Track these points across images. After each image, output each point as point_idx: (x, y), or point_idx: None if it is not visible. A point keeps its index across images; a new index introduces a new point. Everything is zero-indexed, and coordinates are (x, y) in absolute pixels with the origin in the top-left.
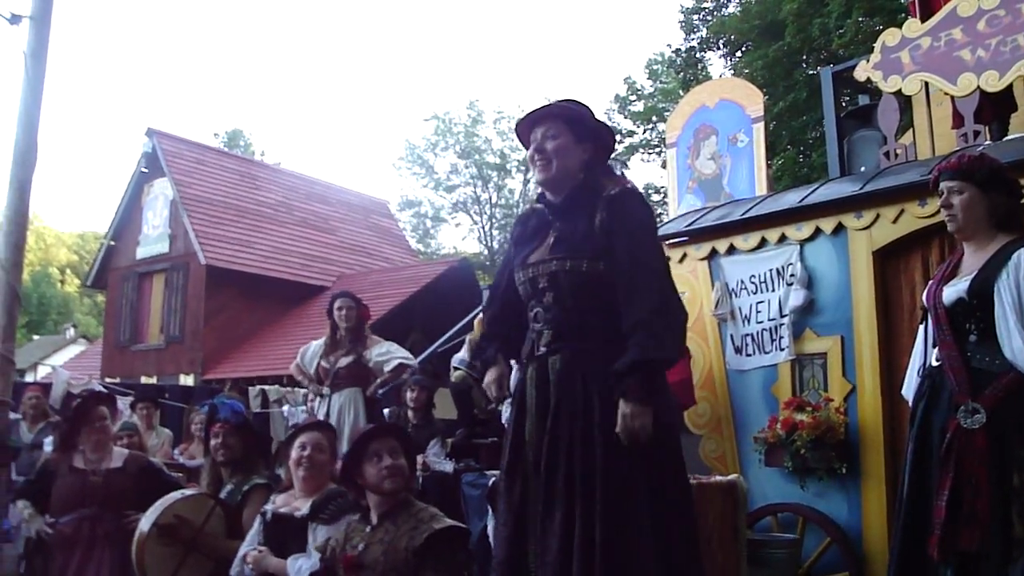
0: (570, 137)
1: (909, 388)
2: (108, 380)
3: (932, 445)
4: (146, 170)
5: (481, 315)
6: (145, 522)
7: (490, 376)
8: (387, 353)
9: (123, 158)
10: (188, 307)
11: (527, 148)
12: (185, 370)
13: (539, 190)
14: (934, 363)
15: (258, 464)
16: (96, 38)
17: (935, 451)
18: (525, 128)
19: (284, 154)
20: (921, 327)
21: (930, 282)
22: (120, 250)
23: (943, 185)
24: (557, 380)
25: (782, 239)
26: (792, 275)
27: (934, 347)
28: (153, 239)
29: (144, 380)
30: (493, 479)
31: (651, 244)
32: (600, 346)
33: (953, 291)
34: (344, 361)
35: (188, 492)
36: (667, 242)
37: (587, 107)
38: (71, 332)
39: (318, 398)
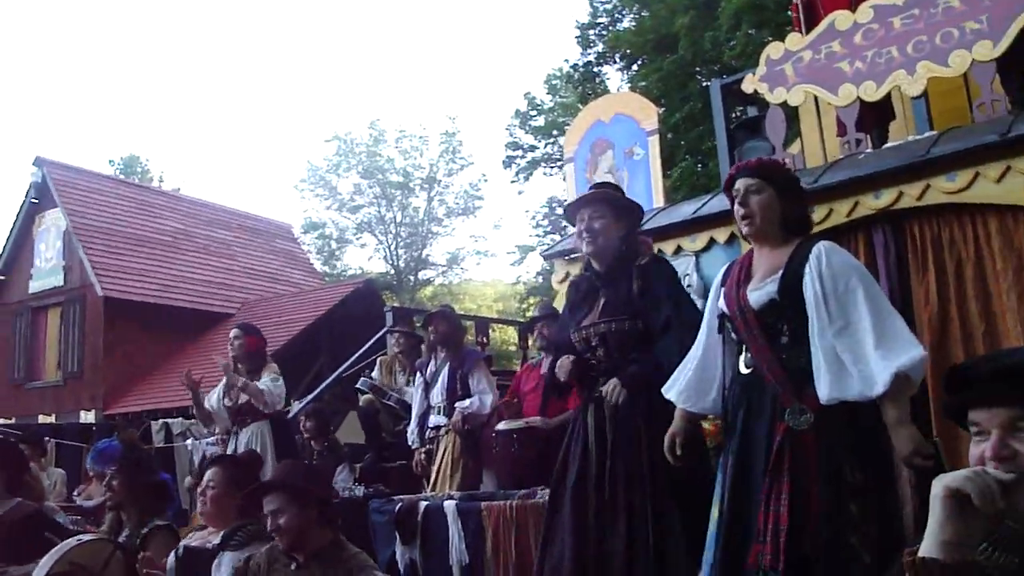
0: (611, 217)
1: (675, 389)
2: (2, 421)
3: (755, 454)
4: (36, 200)
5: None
6: (39, 572)
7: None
8: (262, 382)
9: (9, 189)
10: (86, 341)
11: (574, 226)
12: (86, 406)
13: (586, 260)
14: (744, 370)
15: (155, 504)
16: None
17: (760, 460)
18: (573, 210)
19: (183, 179)
20: (717, 334)
21: (724, 288)
22: (11, 284)
23: (740, 183)
24: (611, 415)
25: (678, 251)
26: (689, 285)
27: (739, 354)
28: (46, 272)
29: (42, 419)
30: (401, 504)
31: (684, 298)
32: (643, 388)
33: (761, 294)
34: (245, 396)
35: (84, 538)
36: (565, 258)
37: (621, 190)
38: None
39: (229, 436)
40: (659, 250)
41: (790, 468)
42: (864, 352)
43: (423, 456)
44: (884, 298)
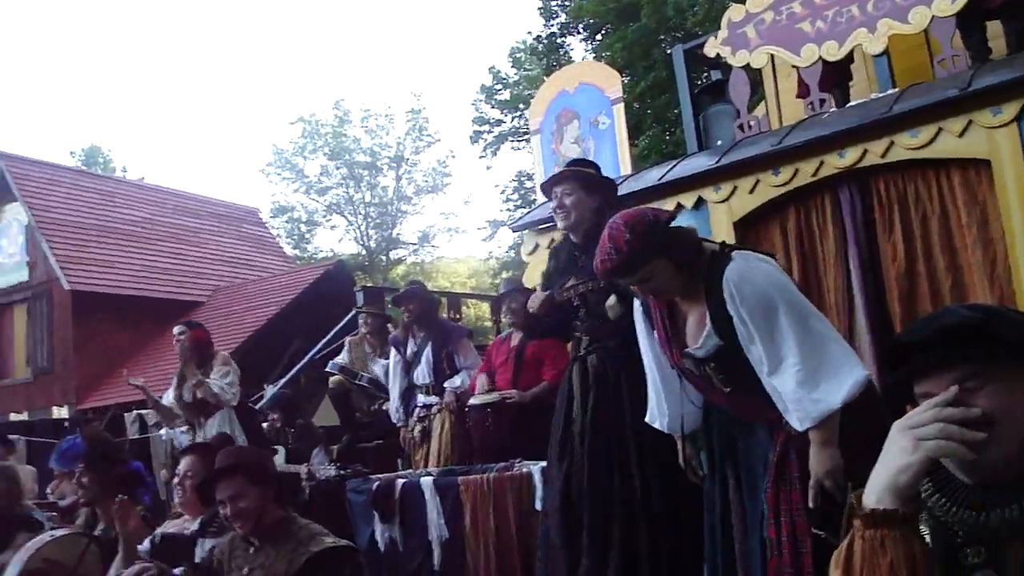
0: (582, 192)
1: (657, 421)
2: None
3: (749, 464)
4: None
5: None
6: (11, 570)
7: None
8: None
9: None
10: (55, 336)
11: (551, 202)
12: (58, 402)
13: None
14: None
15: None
16: None
17: (756, 470)
18: (547, 188)
19: (147, 168)
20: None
21: (655, 340)
22: None
23: (628, 279)
24: (595, 372)
25: None
26: None
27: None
28: (10, 268)
29: (13, 416)
30: (378, 483)
31: None
32: (621, 344)
33: (699, 355)
34: (198, 391)
35: (57, 533)
36: (534, 229)
37: (594, 166)
38: None
39: (195, 428)
40: None
41: (800, 476)
42: (789, 392)
43: (417, 434)
44: (810, 316)
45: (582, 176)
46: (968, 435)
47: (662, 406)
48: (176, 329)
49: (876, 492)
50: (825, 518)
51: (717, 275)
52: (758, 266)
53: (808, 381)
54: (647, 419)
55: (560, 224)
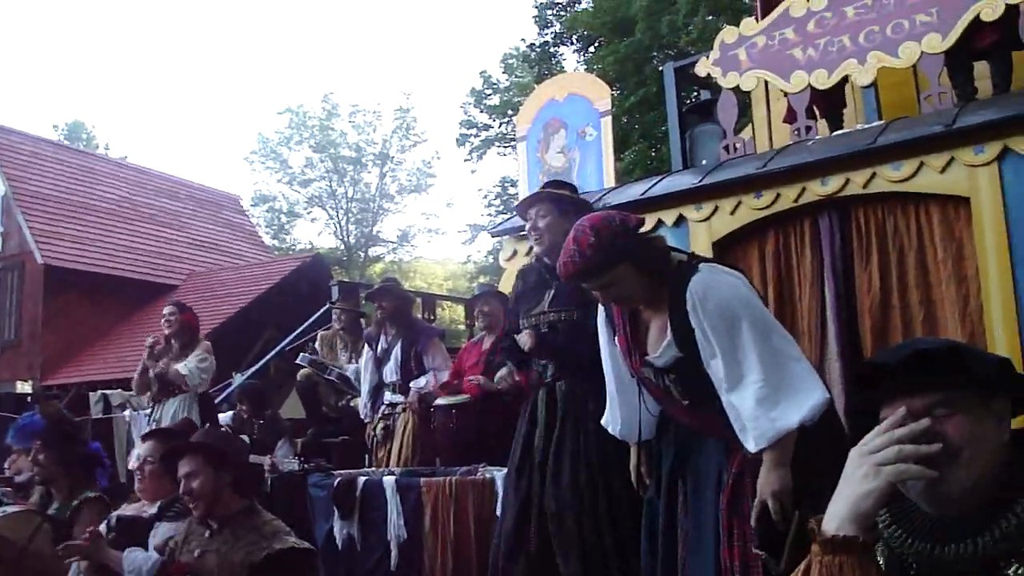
0: (556, 214)
1: (611, 426)
2: None
3: (700, 485)
4: None
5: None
6: None
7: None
8: (184, 366)
9: None
10: (24, 309)
11: (526, 224)
12: (23, 376)
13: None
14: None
15: (86, 476)
16: None
17: (708, 491)
18: (522, 209)
19: (130, 148)
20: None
21: (616, 347)
22: None
23: (588, 283)
24: (563, 399)
25: None
26: None
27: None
28: None
29: None
30: (339, 479)
31: None
32: (589, 373)
33: (659, 365)
34: (174, 367)
35: (9, 509)
36: (513, 235)
37: (570, 186)
38: None
39: (152, 404)
40: None
41: (753, 499)
42: (747, 409)
43: (380, 432)
44: (773, 333)
45: (556, 198)
46: (923, 450)
47: (615, 411)
48: (167, 309)
49: (836, 518)
50: (767, 538)
51: (682, 285)
52: (724, 279)
53: (767, 399)
54: (602, 421)
55: (535, 248)
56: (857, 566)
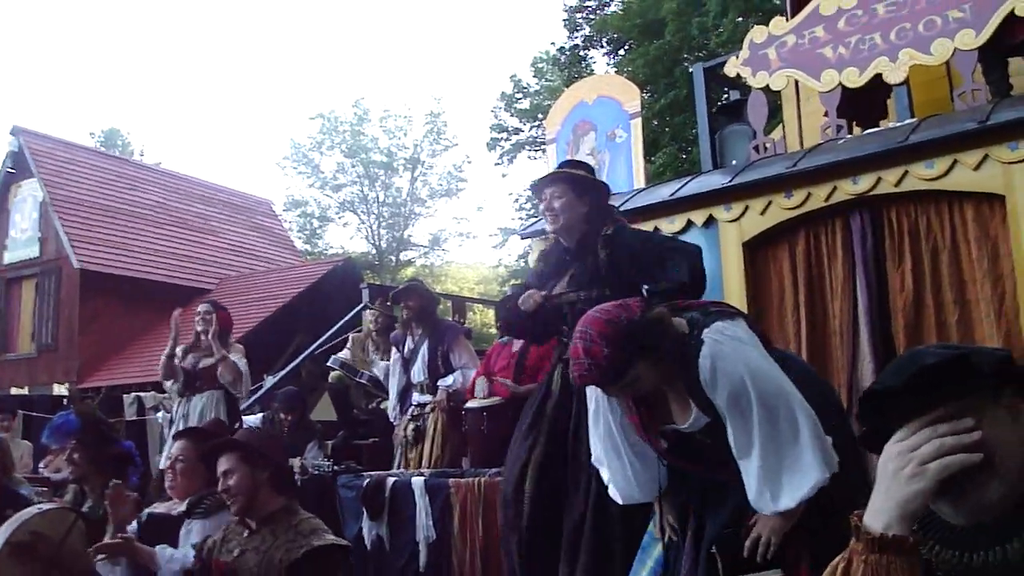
0: (573, 195)
1: (636, 489)
2: None
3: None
4: (12, 170)
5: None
6: None
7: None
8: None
9: None
10: (61, 313)
11: (540, 203)
12: (60, 379)
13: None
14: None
15: (119, 474)
16: None
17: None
18: (537, 188)
19: (164, 153)
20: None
21: (628, 424)
22: None
23: (612, 390)
24: None
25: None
26: None
27: None
28: (22, 243)
29: (15, 391)
30: (368, 480)
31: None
32: None
33: (692, 430)
34: (206, 363)
35: (45, 507)
36: (543, 237)
37: (586, 167)
38: None
39: (178, 399)
40: None
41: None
42: (751, 484)
43: (411, 433)
44: (780, 410)
45: (573, 178)
46: (966, 440)
47: (627, 476)
48: (202, 307)
49: (884, 516)
50: (731, 554)
51: (692, 362)
52: (730, 349)
53: (769, 480)
54: (621, 502)
55: (549, 227)
56: (905, 566)
